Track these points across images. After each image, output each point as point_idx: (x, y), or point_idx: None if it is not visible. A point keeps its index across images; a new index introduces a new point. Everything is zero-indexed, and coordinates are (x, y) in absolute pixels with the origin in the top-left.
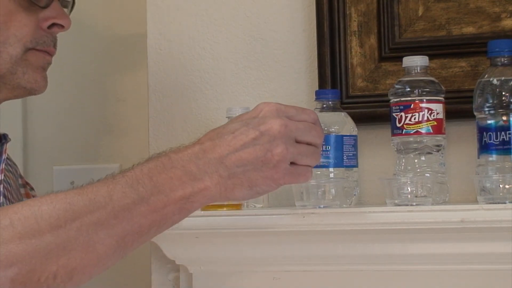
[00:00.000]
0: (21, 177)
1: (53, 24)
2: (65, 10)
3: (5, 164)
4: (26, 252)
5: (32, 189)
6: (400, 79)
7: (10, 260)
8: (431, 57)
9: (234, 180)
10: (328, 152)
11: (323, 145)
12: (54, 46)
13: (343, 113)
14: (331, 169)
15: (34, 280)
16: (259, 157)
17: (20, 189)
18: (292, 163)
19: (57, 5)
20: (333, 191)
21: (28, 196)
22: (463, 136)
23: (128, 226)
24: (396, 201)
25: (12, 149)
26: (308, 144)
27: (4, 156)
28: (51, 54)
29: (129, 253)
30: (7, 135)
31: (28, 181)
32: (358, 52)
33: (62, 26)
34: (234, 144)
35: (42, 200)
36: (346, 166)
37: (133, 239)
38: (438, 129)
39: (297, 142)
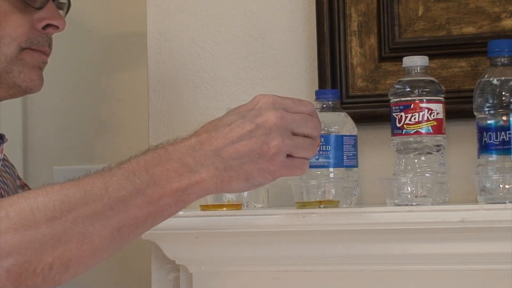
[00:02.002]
0: (19, 178)
1: (48, 25)
2: (61, 12)
3: (1, 165)
4: (22, 243)
5: None
6: (400, 79)
7: (6, 251)
8: (431, 57)
9: (230, 173)
10: (328, 152)
11: (323, 145)
12: (49, 46)
13: (343, 113)
14: (331, 169)
15: (30, 271)
16: (255, 149)
17: (18, 190)
18: (288, 156)
19: (52, 6)
20: (333, 191)
21: None
22: (463, 136)
23: (124, 217)
24: (396, 201)
25: (12, 149)
26: (305, 136)
27: (0, 157)
28: (46, 54)
29: (125, 245)
30: (3, 135)
31: (27, 183)
32: (358, 52)
33: (57, 27)
34: (230, 136)
35: (38, 191)
36: (346, 166)
37: (129, 231)
38: (438, 129)
39: (294, 134)
